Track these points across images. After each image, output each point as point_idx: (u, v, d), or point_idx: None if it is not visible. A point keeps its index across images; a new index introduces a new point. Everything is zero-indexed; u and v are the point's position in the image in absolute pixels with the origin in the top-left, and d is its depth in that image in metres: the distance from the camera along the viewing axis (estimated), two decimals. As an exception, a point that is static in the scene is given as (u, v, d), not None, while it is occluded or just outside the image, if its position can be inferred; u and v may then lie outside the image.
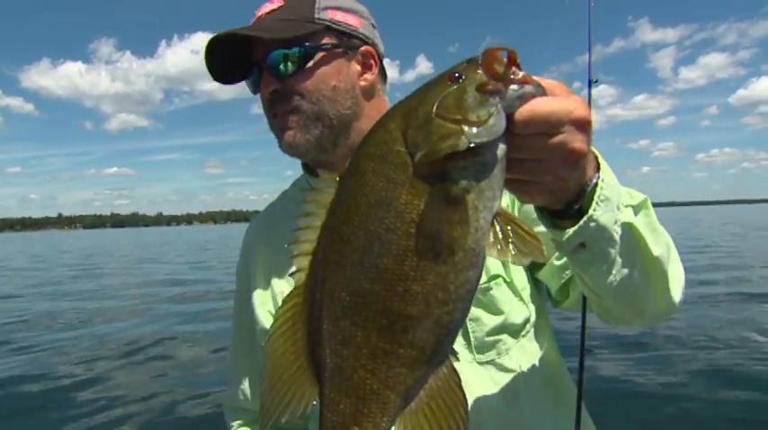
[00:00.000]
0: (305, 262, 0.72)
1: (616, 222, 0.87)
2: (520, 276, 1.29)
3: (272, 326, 0.74)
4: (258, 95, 1.30)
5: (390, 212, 0.65)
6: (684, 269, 1.11)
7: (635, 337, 7.25)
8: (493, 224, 0.66)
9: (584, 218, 0.83)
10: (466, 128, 0.63)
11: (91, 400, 6.23)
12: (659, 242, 1.00)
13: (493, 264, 1.25)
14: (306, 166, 1.45)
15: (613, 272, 0.92)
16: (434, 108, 0.65)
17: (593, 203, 0.83)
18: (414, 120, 0.66)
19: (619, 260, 0.91)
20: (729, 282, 12.23)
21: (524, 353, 1.27)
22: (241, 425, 1.52)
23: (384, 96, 1.36)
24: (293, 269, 0.73)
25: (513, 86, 0.66)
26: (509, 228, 0.66)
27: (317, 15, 1.23)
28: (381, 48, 1.34)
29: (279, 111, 1.25)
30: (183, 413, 5.80)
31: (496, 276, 1.25)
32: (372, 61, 1.30)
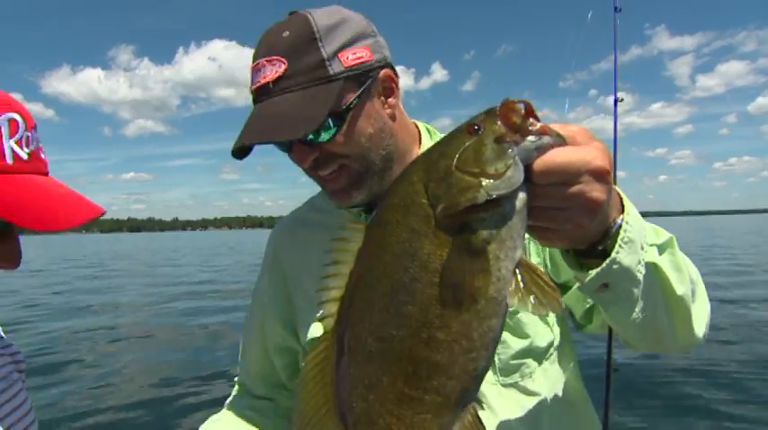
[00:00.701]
0: (333, 307, 0.74)
1: (639, 262, 0.88)
2: None
3: (302, 370, 0.75)
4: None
5: (414, 262, 0.67)
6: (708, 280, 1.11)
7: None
8: (515, 273, 0.67)
9: (608, 260, 0.83)
10: (484, 180, 0.65)
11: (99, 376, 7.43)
12: (684, 281, 1.00)
13: None
14: None
15: (636, 310, 0.93)
16: (454, 161, 0.67)
17: (617, 246, 0.83)
18: (435, 173, 0.68)
19: (642, 299, 0.92)
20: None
21: (547, 377, 1.26)
22: (237, 394, 1.59)
23: (401, 106, 1.29)
24: (322, 314, 0.75)
25: (531, 137, 0.67)
26: (530, 278, 0.67)
27: (331, 71, 1.11)
28: (389, 54, 1.23)
29: (324, 175, 1.19)
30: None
31: None
32: (392, 84, 1.22)
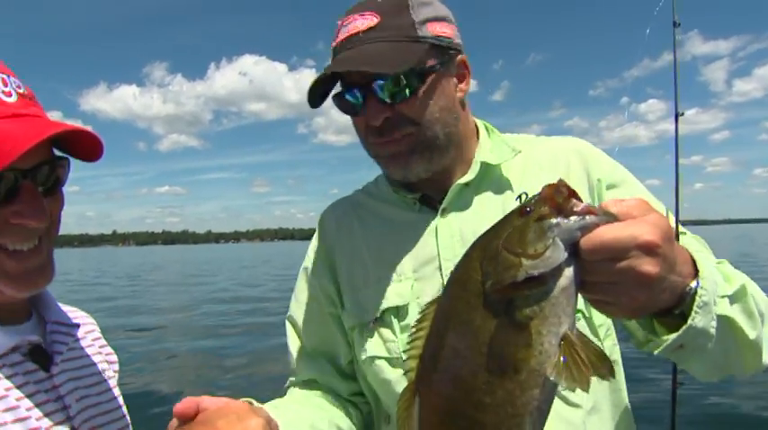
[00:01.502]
0: (413, 363, 0.82)
1: (713, 319, 0.88)
2: (599, 313, 1.26)
3: (395, 415, 0.85)
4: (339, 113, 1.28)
5: (468, 332, 0.74)
6: None
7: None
8: (560, 347, 0.70)
9: (684, 327, 0.85)
10: (525, 260, 0.70)
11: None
12: (756, 325, 1.01)
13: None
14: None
15: (708, 359, 0.95)
16: (502, 241, 0.73)
17: (693, 312, 0.84)
18: (488, 252, 0.74)
19: (714, 349, 0.92)
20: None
21: (591, 390, 1.20)
22: (293, 384, 1.48)
23: (467, 100, 1.33)
24: (406, 366, 0.83)
25: (575, 218, 0.71)
26: (570, 354, 0.70)
27: (420, 33, 1.17)
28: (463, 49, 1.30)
29: (390, 139, 1.21)
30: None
31: (576, 311, 1.21)
32: (466, 71, 1.28)
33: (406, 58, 1.13)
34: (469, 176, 1.29)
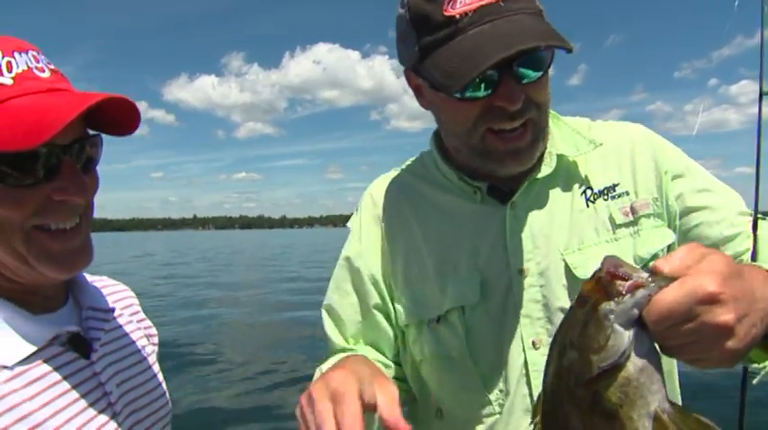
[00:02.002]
0: None
1: None
2: None
3: None
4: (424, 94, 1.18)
5: (566, 423, 0.75)
6: None
7: None
8: (654, 426, 0.70)
9: None
10: (592, 355, 0.71)
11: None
12: None
13: None
14: (439, 143, 1.29)
15: None
16: (570, 340, 0.74)
17: None
18: (563, 354, 0.76)
19: None
20: None
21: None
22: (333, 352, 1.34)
23: None
24: None
25: (626, 298, 0.70)
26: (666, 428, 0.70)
27: (541, 7, 1.06)
28: None
29: (512, 128, 1.08)
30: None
31: None
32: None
33: (554, 31, 1.01)
34: (547, 170, 1.18)
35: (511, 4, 1.00)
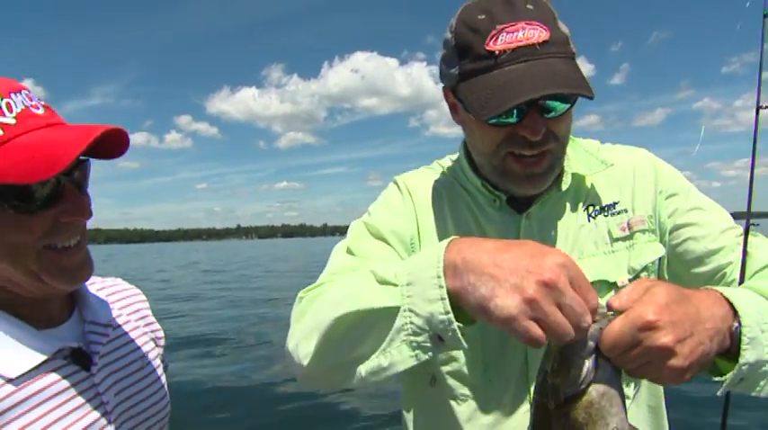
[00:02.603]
0: None
1: (765, 346, 0.92)
2: None
3: None
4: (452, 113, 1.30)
5: None
6: None
7: None
8: None
9: (736, 368, 0.89)
10: (560, 383, 0.83)
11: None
12: None
13: None
14: (467, 152, 1.37)
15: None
16: (545, 369, 0.87)
17: (741, 351, 0.89)
18: (543, 380, 0.87)
19: None
20: None
21: (646, 385, 1.34)
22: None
23: None
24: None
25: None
26: None
27: (574, 50, 1.16)
28: None
29: (531, 155, 1.17)
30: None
31: None
32: None
33: (583, 78, 1.11)
34: (564, 187, 1.30)
35: (546, 47, 1.10)
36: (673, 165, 1.40)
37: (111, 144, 1.03)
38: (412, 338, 0.90)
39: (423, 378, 1.35)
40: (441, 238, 1.24)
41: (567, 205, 1.33)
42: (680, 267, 1.31)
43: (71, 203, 0.99)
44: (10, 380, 0.96)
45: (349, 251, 1.31)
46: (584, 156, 1.35)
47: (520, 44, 1.09)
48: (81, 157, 1.02)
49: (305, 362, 1.05)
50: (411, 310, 0.89)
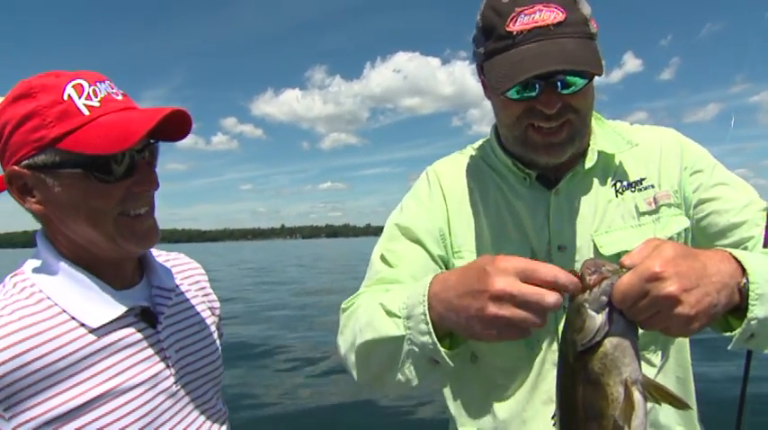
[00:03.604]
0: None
1: None
2: None
3: None
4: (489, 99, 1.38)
5: (570, 392, 0.92)
6: None
7: None
8: (625, 392, 0.87)
9: (744, 323, 0.95)
10: (576, 336, 0.89)
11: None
12: None
13: None
14: (498, 134, 1.46)
15: None
16: (565, 324, 0.93)
17: (750, 305, 0.94)
18: (563, 333, 0.94)
19: None
20: None
21: (671, 354, 1.39)
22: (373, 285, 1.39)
23: None
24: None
25: (596, 289, 0.88)
26: (630, 395, 0.88)
27: (592, 30, 1.25)
28: None
29: (550, 127, 1.27)
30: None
31: None
32: None
33: (594, 55, 1.21)
34: (589, 164, 1.37)
35: (560, 28, 1.19)
36: (728, 163, 1.44)
37: (177, 126, 1.18)
38: (416, 361, 1.08)
39: (463, 356, 1.43)
40: (471, 223, 1.44)
41: (595, 181, 1.39)
42: (703, 240, 1.36)
43: (143, 175, 1.14)
44: (92, 330, 1.11)
45: (383, 258, 1.43)
46: (612, 136, 1.42)
47: (536, 25, 1.19)
48: (151, 141, 1.19)
49: (353, 373, 1.26)
50: (411, 340, 1.07)
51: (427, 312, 1.02)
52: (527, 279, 0.91)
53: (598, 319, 0.88)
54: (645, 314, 0.88)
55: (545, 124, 1.26)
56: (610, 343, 0.88)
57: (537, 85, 1.21)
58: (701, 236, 1.37)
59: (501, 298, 0.91)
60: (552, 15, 1.19)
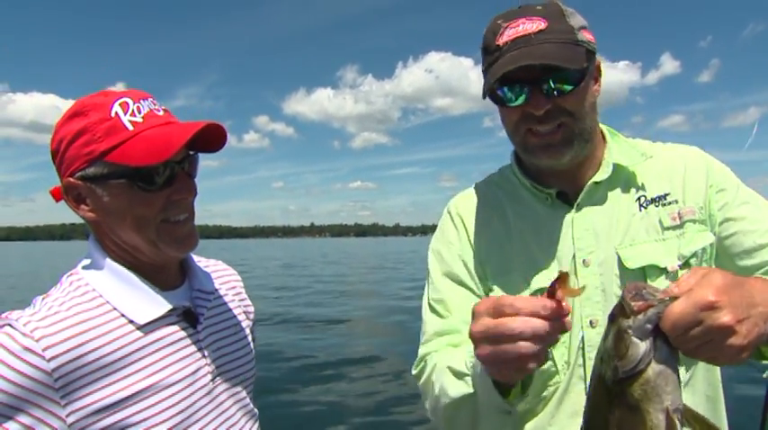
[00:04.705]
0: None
1: None
2: None
3: None
4: (500, 107, 1.41)
5: (607, 417, 0.91)
6: None
7: None
8: (666, 421, 0.86)
9: None
10: (617, 362, 0.88)
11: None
12: None
13: None
14: (517, 158, 1.54)
15: None
16: (605, 348, 0.91)
17: None
18: (602, 358, 0.92)
19: None
20: None
21: (695, 369, 1.37)
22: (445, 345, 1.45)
23: None
24: None
25: (641, 316, 0.87)
26: (673, 426, 0.86)
27: (578, 38, 1.31)
28: None
29: (544, 130, 1.34)
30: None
31: None
32: (598, 74, 1.41)
33: (575, 57, 1.28)
34: (603, 176, 1.41)
35: (542, 35, 1.28)
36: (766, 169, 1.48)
37: (213, 138, 1.28)
38: (491, 413, 1.18)
39: (537, 392, 1.39)
40: (499, 254, 1.47)
41: (615, 194, 1.42)
42: (727, 259, 1.37)
43: (183, 184, 1.24)
44: (139, 327, 1.21)
45: (433, 310, 1.50)
46: (626, 149, 1.46)
47: (518, 35, 1.29)
48: (190, 152, 1.28)
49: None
50: (481, 395, 1.16)
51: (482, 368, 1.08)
52: (500, 315, 0.95)
53: (642, 347, 0.87)
54: (694, 343, 0.87)
55: (540, 127, 1.33)
56: (653, 370, 0.87)
57: (526, 90, 1.30)
58: (724, 254, 1.38)
59: (477, 340, 0.98)
60: (534, 25, 1.29)
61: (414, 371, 1.47)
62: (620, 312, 0.89)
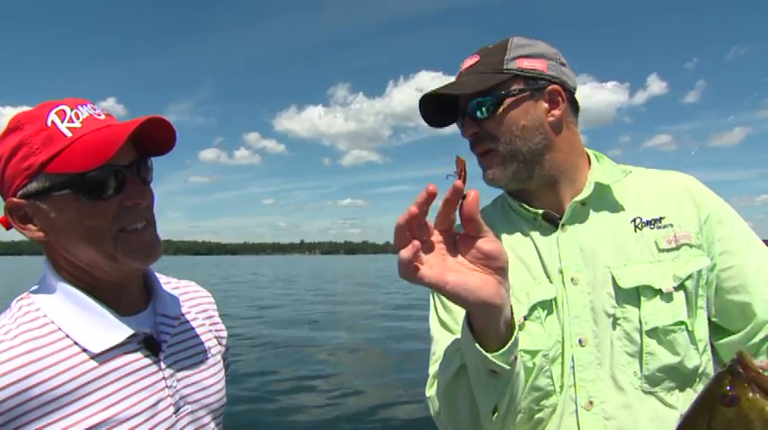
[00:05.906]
0: None
1: None
2: (701, 329, 1.37)
3: None
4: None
5: None
6: None
7: None
8: None
9: None
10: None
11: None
12: None
13: (680, 310, 1.33)
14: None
15: None
16: None
17: None
18: None
19: None
20: None
21: (687, 397, 1.34)
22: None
23: (574, 128, 1.48)
24: None
25: None
26: None
27: (505, 66, 1.39)
28: (571, 83, 1.46)
29: (479, 151, 1.44)
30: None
31: (681, 323, 1.33)
32: (560, 98, 1.42)
33: (483, 83, 1.37)
34: (584, 194, 1.43)
35: (475, 68, 1.42)
36: (755, 188, 1.49)
37: (164, 139, 1.21)
38: (480, 382, 1.12)
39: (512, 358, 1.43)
40: None
41: (603, 215, 1.44)
42: (711, 290, 1.38)
43: (134, 189, 1.16)
44: (94, 356, 1.11)
45: (444, 325, 1.47)
46: (609, 169, 1.49)
47: (459, 71, 1.47)
48: (143, 157, 1.22)
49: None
50: (467, 358, 1.13)
51: (468, 324, 1.06)
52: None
53: None
54: None
55: (474, 150, 1.46)
56: None
57: (460, 117, 1.45)
58: (716, 284, 1.39)
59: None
60: (472, 61, 1.44)
61: (428, 393, 1.43)
62: (743, 388, 0.76)
